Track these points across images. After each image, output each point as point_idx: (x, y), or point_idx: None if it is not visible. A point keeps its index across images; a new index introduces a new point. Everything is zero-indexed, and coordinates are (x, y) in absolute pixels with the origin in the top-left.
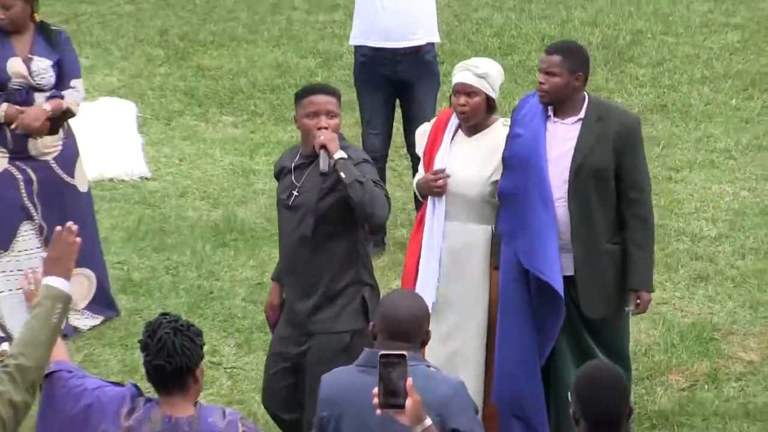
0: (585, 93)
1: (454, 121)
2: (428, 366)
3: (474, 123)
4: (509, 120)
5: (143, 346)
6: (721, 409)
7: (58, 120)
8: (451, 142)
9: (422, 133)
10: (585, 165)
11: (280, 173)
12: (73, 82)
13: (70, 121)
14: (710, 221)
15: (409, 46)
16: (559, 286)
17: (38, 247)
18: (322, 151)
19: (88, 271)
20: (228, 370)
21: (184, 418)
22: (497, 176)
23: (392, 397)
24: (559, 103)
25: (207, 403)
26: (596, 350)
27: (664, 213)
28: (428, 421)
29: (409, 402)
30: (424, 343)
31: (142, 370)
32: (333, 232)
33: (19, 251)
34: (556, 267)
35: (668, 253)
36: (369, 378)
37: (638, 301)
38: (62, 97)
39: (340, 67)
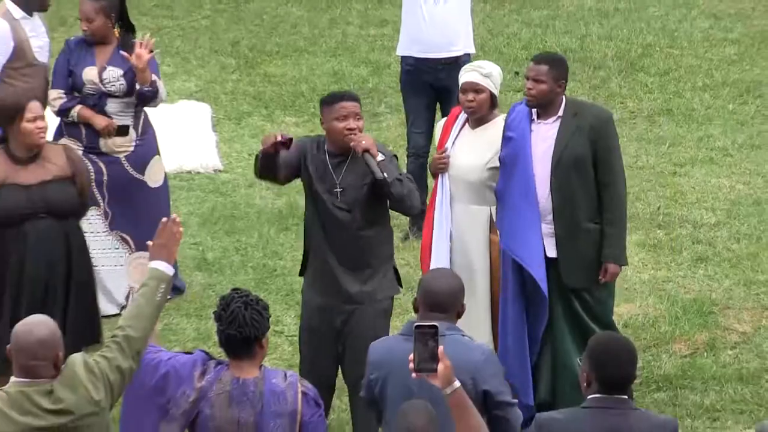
0: (563, 96)
1: (462, 116)
2: (463, 335)
3: (479, 116)
4: None
5: (217, 317)
6: (718, 374)
7: (125, 123)
8: (458, 134)
9: (438, 127)
10: (564, 155)
11: (304, 154)
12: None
13: (154, 123)
14: (710, 210)
15: (449, 57)
16: (537, 272)
17: (104, 231)
18: (366, 155)
19: None
20: (289, 338)
21: (251, 379)
22: (494, 163)
23: (425, 362)
24: (543, 106)
25: (270, 366)
26: (585, 317)
27: (670, 203)
28: (457, 383)
29: (440, 367)
30: (459, 315)
31: (215, 338)
32: (372, 218)
33: (85, 233)
34: (538, 257)
35: (673, 238)
36: (411, 345)
37: (604, 270)
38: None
39: (388, 75)
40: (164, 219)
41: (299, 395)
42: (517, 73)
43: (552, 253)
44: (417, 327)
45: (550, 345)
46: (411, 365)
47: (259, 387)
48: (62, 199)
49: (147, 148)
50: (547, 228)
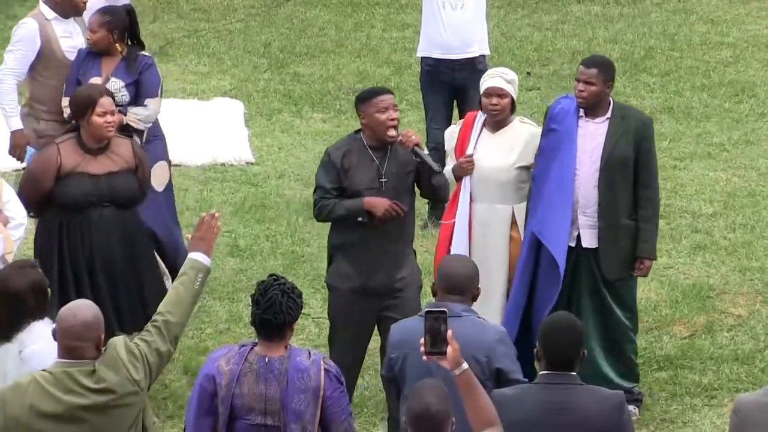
0: (610, 97)
1: (479, 121)
2: (478, 317)
3: (500, 119)
4: (525, 118)
5: (254, 302)
6: (716, 355)
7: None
8: (478, 138)
9: (450, 132)
10: (613, 155)
11: (344, 167)
12: (147, 101)
13: (188, 119)
14: (707, 201)
15: (465, 58)
16: (558, 253)
17: None
18: (417, 149)
19: (164, 163)
20: (315, 320)
21: (277, 358)
22: (520, 162)
23: (435, 345)
24: (592, 106)
25: (297, 346)
26: (613, 306)
27: (670, 195)
28: (465, 365)
29: (449, 350)
30: (474, 298)
31: (245, 319)
32: (410, 206)
33: None
34: (563, 244)
35: (673, 227)
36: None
37: (641, 266)
38: (125, 114)
39: (409, 75)
40: (203, 214)
41: (322, 372)
42: (529, 73)
43: (588, 243)
44: (427, 312)
45: None
46: (422, 348)
47: (285, 365)
48: (127, 189)
49: (151, 156)
50: (588, 220)
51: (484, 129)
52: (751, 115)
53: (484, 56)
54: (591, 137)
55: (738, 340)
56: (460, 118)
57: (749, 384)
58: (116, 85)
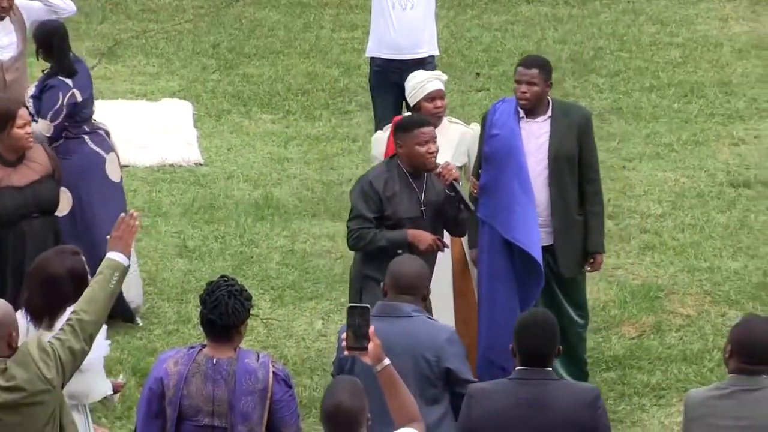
0: (548, 95)
1: None
2: (428, 317)
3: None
4: (453, 118)
5: (202, 301)
6: (664, 355)
7: None
8: None
9: (380, 139)
10: (559, 153)
11: (387, 194)
12: (39, 119)
13: (138, 120)
14: (656, 202)
15: (415, 58)
16: (537, 254)
17: None
18: (455, 184)
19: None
20: (264, 321)
21: (225, 359)
22: (455, 164)
23: (357, 341)
24: (535, 106)
25: (245, 348)
26: (565, 304)
27: (619, 195)
28: (386, 361)
29: (371, 345)
30: (425, 298)
31: (194, 320)
32: (442, 233)
33: None
34: (535, 239)
35: (622, 228)
36: (379, 324)
37: (593, 261)
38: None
39: (359, 75)
40: (123, 214)
41: (270, 375)
42: (478, 74)
43: (543, 242)
44: (350, 308)
45: None
46: (344, 343)
47: (233, 366)
48: (50, 196)
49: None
50: (540, 220)
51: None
52: (700, 116)
53: (433, 57)
54: (534, 137)
55: (686, 340)
56: None
57: (698, 384)
58: (29, 92)
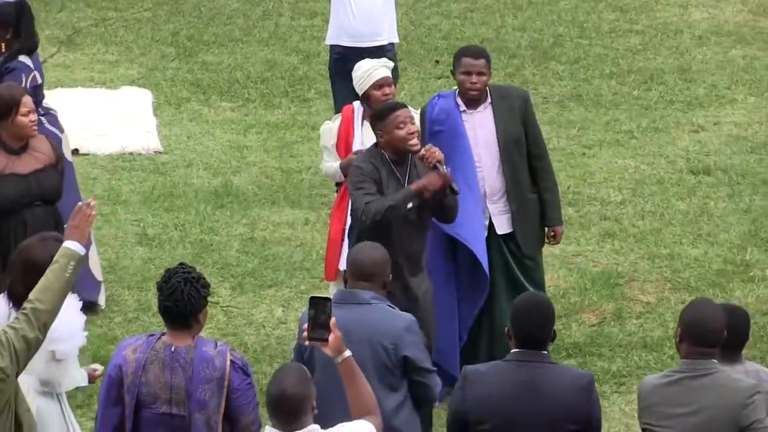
0: None
1: (358, 113)
2: (388, 305)
3: None
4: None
5: (158, 288)
6: (624, 342)
7: None
8: (361, 129)
9: (329, 129)
10: (508, 137)
11: (375, 180)
12: None
13: (98, 108)
14: (616, 189)
15: (374, 45)
16: (483, 256)
17: None
18: (440, 166)
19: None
20: (224, 309)
21: (183, 347)
22: None
23: (318, 332)
24: (480, 96)
25: (206, 336)
26: (526, 284)
27: (579, 182)
28: (347, 353)
29: (331, 337)
30: (385, 285)
31: (154, 308)
32: (429, 219)
33: None
34: (482, 239)
35: (582, 215)
36: (338, 311)
37: (553, 234)
38: None
39: (318, 63)
40: (80, 203)
41: (228, 363)
42: (437, 61)
43: (503, 229)
44: (312, 299)
45: (488, 316)
46: (305, 334)
47: (191, 354)
48: (53, 185)
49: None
50: (497, 207)
51: (365, 122)
52: (660, 103)
53: (393, 44)
54: (480, 126)
55: (647, 327)
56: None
57: (658, 371)
58: None
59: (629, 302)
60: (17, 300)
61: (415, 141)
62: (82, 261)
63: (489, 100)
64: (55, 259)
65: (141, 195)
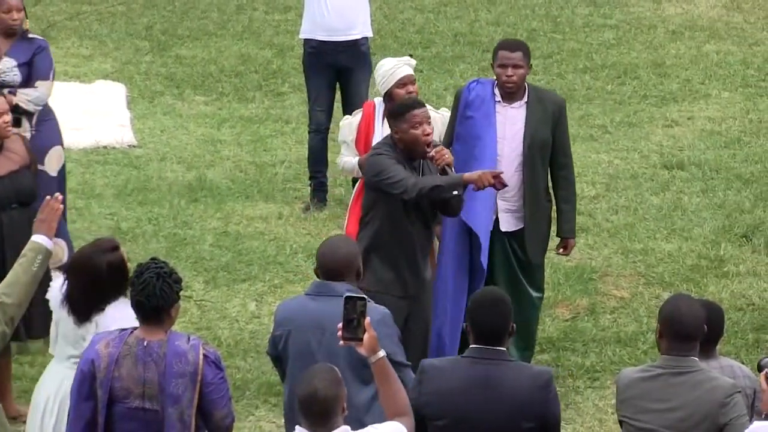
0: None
1: (379, 109)
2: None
3: None
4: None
5: (130, 283)
6: (598, 337)
7: (17, 113)
8: (382, 126)
9: (348, 124)
10: (534, 140)
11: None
12: (38, 83)
13: (70, 102)
14: (590, 184)
15: (348, 40)
16: (485, 247)
17: None
18: (447, 167)
19: (62, 242)
20: (197, 303)
21: (156, 341)
22: None
23: (353, 332)
24: (517, 90)
25: (179, 330)
26: (528, 288)
27: None
28: (382, 353)
29: (366, 336)
30: (358, 276)
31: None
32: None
33: None
34: (486, 231)
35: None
36: (313, 303)
37: (564, 246)
38: (15, 94)
39: (292, 57)
40: (48, 197)
41: (200, 357)
42: (411, 55)
43: (507, 227)
44: (347, 298)
45: None
46: (339, 333)
47: (163, 348)
48: (29, 186)
49: (44, 138)
50: (507, 204)
51: (386, 119)
52: (634, 97)
53: (366, 38)
54: (511, 123)
55: (620, 322)
56: (344, 101)
57: (632, 366)
58: (9, 64)
59: (603, 297)
60: (76, 309)
61: (428, 141)
62: (50, 255)
63: (526, 98)
64: (23, 252)
65: (115, 189)
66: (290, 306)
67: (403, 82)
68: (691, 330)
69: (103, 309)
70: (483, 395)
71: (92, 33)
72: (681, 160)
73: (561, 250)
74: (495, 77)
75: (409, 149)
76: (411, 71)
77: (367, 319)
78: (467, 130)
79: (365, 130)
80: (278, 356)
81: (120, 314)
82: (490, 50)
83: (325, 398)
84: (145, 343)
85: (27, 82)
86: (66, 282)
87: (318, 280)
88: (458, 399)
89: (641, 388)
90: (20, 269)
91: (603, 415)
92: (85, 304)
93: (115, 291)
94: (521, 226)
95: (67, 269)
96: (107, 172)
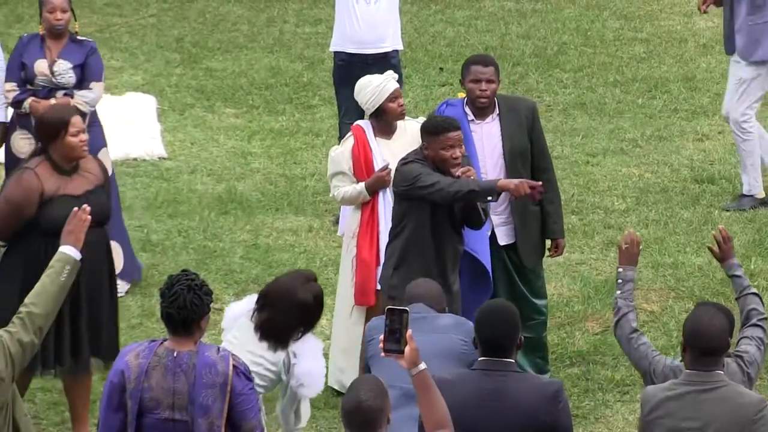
0: None
1: (368, 130)
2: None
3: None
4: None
5: (161, 294)
6: None
7: None
8: (378, 145)
9: (340, 153)
10: (513, 150)
11: None
12: (92, 84)
13: (100, 115)
14: (620, 197)
15: (378, 53)
16: (489, 265)
17: None
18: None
19: (116, 244)
20: None
21: (185, 352)
22: None
23: (394, 344)
24: (489, 105)
25: (208, 342)
26: (528, 294)
27: (583, 190)
28: (422, 366)
29: (407, 349)
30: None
31: (158, 314)
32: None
33: None
34: (486, 248)
35: (586, 223)
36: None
37: (556, 246)
38: (72, 96)
39: (322, 70)
40: (75, 208)
41: (230, 368)
42: (441, 69)
43: (504, 240)
44: (389, 310)
45: None
46: (380, 345)
47: (193, 359)
48: (104, 206)
49: (94, 140)
50: (499, 218)
51: (376, 138)
52: (664, 111)
53: (397, 51)
54: (488, 137)
55: (650, 336)
56: None
57: None
58: (64, 66)
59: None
60: (270, 334)
61: (457, 165)
62: (77, 266)
63: (497, 111)
64: (51, 263)
65: (145, 201)
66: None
67: (394, 96)
68: (715, 344)
69: (297, 338)
70: (493, 407)
71: (123, 45)
72: (711, 174)
73: (553, 251)
74: (465, 95)
75: (436, 164)
76: (398, 85)
77: (409, 332)
78: None
79: (362, 154)
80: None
81: (314, 346)
82: (521, 64)
83: (370, 409)
84: (174, 354)
85: (80, 83)
86: (260, 310)
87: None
88: (468, 412)
89: (668, 408)
90: (48, 280)
91: (632, 429)
92: (285, 333)
93: (313, 322)
94: (512, 237)
95: (264, 299)
96: (137, 184)
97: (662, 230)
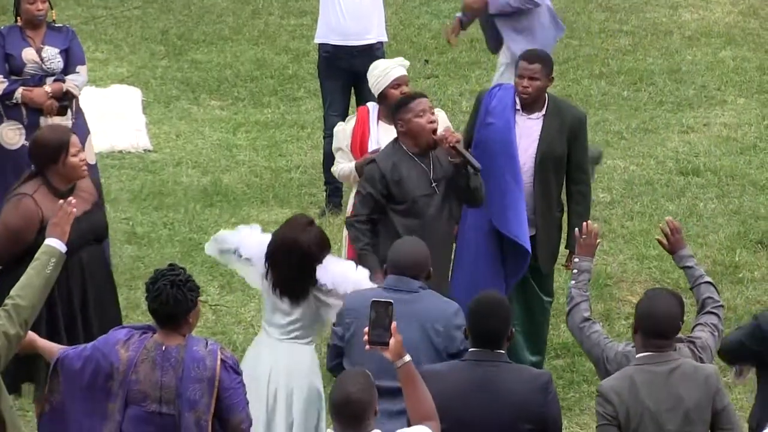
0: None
1: (373, 113)
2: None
3: None
4: None
5: (146, 289)
6: None
7: (64, 101)
8: (377, 129)
9: (342, 130)
10: (547, 153)
11: (388, 177)
12: (78, 68)
13: (81, 104)
14: (605, 189)
15: (363, 44)
16: (528, 246)
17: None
18: (460, 146)
19: None
20: (212, 307)
21: (174, 346)
22: None
23: (379, 336)
24: (534, 101)
25: (195, 334)
26: (537, 290)
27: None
28: (407, 358)
29: (392, 341)
30: (428, 277)
31: (143, 306)
32: (459, 210)
33: None
34: (525, 229)
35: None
36: (388, 296)
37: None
38: (63, 81)
39: (307, 62)
40: (60, 201)
41: (218, 362)
42: (426, 61)
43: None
44: (374, 302)
45: None
46: (365, 337)
47: (181, 353)
48: (103, 223)
49: (82, 128)
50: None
51: (380, 122)
52: (650, 104)
53: (381, 43)
54: (527, 134)
55: None
56: (358, 105)
57: None
58: (52, 52)
59: (618, 303)
60: (287, 289)
61: (435, 128)
62: (63, 258)
63: (544, 110)
64: (36, 256)
65: (130, 193)
66: (365, 296)
67: (397, 83)
68: (666, 326)
69: (317, 281)
70: (482, 398)
71: (108, 37)
72: (696, 167)
73: (568, 263)
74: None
75: (415, 141)
76: (405, 72)
77: (393, 324)
78: (487, 136)
79: (360, 135)
80: (339, 346)
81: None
82: None
83: (357, 402)
84: (163, 348)
85: (66, 68)
86: (272, 269)
87: (393, 275)
88: (458, 403)
89: (639, 398)
90: (33, 272)
91: None
92: (300, 284)
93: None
94: (533, 233)
95: (271, 256)
96: (122, 176)
97: (647, 222)
